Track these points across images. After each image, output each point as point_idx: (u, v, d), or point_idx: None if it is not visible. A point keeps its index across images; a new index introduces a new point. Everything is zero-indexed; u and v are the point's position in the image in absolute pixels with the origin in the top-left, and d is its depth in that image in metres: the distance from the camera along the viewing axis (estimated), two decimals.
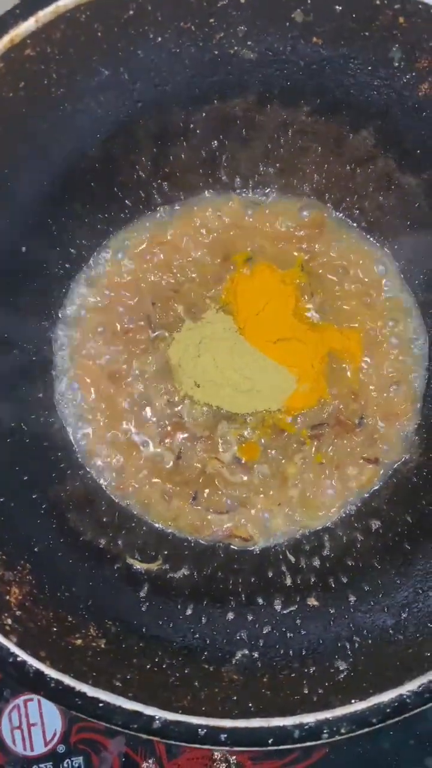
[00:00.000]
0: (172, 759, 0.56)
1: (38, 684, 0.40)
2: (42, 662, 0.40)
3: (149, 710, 0.40)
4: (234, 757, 0.56)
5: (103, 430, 0.54)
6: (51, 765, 0.55)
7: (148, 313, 0.55)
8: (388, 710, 0.40)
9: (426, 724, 0.56)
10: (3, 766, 0.55)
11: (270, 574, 0.51)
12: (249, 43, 0.46)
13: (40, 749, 0.55)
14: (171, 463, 0.54)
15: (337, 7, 0.44)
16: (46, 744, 0.55)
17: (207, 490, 0.53)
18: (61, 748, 0.55)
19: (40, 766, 0.55)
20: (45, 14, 0.41)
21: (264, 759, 0.55)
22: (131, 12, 0.43)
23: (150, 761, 0.55)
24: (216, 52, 0.47)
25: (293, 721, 0.40)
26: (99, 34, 0.43)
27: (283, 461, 0.54)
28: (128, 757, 0.55)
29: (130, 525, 0.53)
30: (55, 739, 0.55)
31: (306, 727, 0.40)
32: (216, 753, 0.55)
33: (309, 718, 0.40)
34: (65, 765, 0.55)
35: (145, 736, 0.40)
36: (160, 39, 0.45)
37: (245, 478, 0.54)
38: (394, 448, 0.54)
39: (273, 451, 0.54)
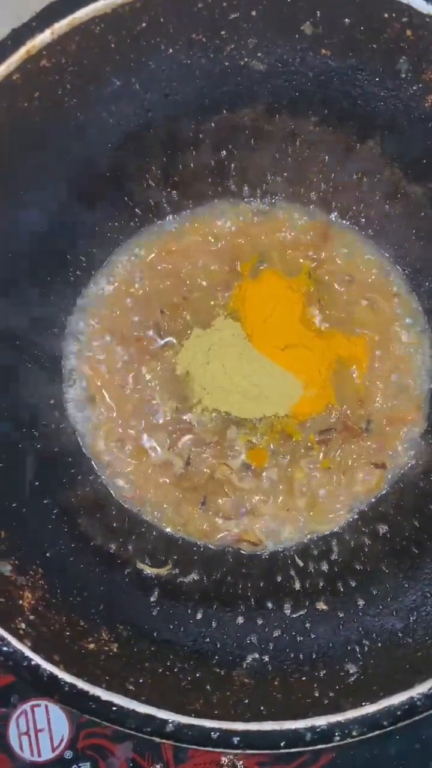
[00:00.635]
0: (180, 764, 0.55)
1: (52, 688, 0.40)
2: (56, 666, 0.40)
3: (162, 714, 0.40)
4: (241, 763, 0.56)
5: (113, 436, 0.54)
6: None
7: (157, 320, 0.55)
8: (398, 713, 0.40)
9: None
10: None
11: (279, 579, 0.52)
12: (259, 54, 0.47)
13: (47, 755, 0.55)
14: (180, 468, 0.54)
15: (346, 19, 0.45)
16: (53, 750, 0.55)
17: (216, 496, 0.54)
18: (69, 754, 0.55)
19: None
20: (60, 26, 0.41)
21: (272, 764, 0.55)
22: (144, 24, 0.44)
23: (157, 766, 0.55)
24: (226, 64, 0.47)
25: (305, 724, 0.40)
26: (112, 45, 0.44)
27: (291, 467, 0.54)
28: (135, 762, 0.55)
29: (140, 530, 0.53)
30: (63, 745, 0.55)
31: (318, 730, 0.40)
32: (223, 758, 0.55)
33: (321, 721, 0.40)
34: None
35: (158, 740, 0.41)
36: (171, 50, 0.46)
37: (254, 483, 0.54)
38: (401, 453, 0.55)
39: (281, 457, 0.54)
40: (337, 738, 0.40)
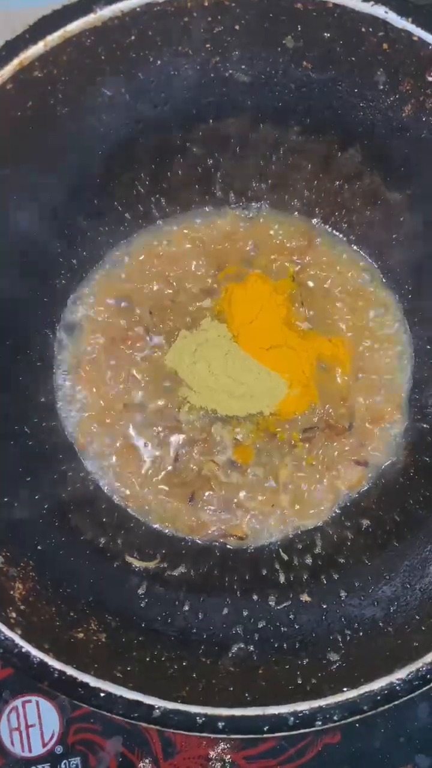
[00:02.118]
0: (168, 759, 0.56)
1: (42, 675, 0.41)
2: (46, 654, 0.41)
3: (149, 700, 0.41)
4: (229, 757, 0.56)
5: (103, 434, 0.56)
6: (49, 766, 0.55)
7: (145, 322, 0.57)
8: (378, 698, 0.41)
9: (416, 721, 0.56)
10: (1, 767, 0.55)
11: (264, 572, 0.53)
12: (243, 66, 0.49)
13: (38, 750, 0.55)
14: (168, 465, 0.55)
15: (325, 34, 0.46)
16: (44, 745, 0.55)
17: (203, 492, 0.55)
18: (59, 749, 0.55)
19: (38, 767, 0.55)
20: (53, 38, 0.43)
21: (258, 758, 0.56)
22: (133, 37, 0.46)
23: (146, 761, 0.55)
24: (212, 75, 0.49)
25: (288, 709, 0.41)
26: (102, 57, 0.46)
27: (276, 463, 0.56)
28: (125, 757, 0.56)
29: (129, 525, 0.54)
30: (53, 740, 0.55)
31: (300, 714, 0.41)
32: (211, 753, 0.56)
33: (303, 706, 0.41)
34: (63, 766, 0.55)
35: (145, 725, 0.41)
36: (159, 62, 0.47)
37: (240, 479, 0.55)
38: (382, 450, 0.56)
39: (266, 454, 0.56)
40: (319, 723, 0.41)
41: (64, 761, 0.55)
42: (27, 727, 0.56)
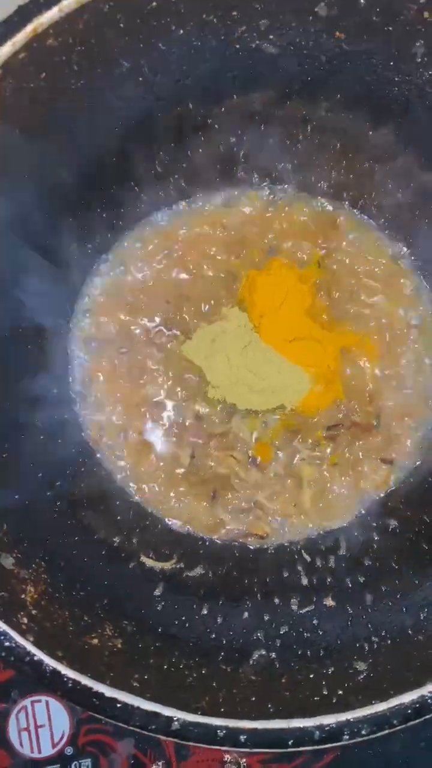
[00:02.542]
0: (182, 761, 0.55)
1: (55, 684, 0.40)
2: (59, 662, 0.40)
3: (168, 711, 0.39)
4: (244, 760, 0.55)
5: (118, 428, 0.54)
6: (58, 767, 0.54)
7: (162, 311, 0.55)
8: (409, 711, 0.40)
9: None
10: None
11: (286, 574, 0.51)
12: (271, 37, 0.46)
13: (47, 751, 0.54)
14: (186, 461, 0.54)
15: (361, 1, 0.43)
16: (53, 746, 0.54)
17: (223, 489, 0.53)
18: (69, 750, 0.54)
19: None
20: (68, 3, 0.40)
21: (274, 761, 0.55)
22: (154, 3, 0.43)
23: (159, 764, 0.55)
24: (237, 46, 0.46)
25: (314, 723, 0.39)
26: (121, 25, 0.43)
27: (298, 462, 0.54)
28: (137, 759, 0.55)
29: (145, 523, 0.53)
30: (63, 741, 0.55)
31: (326, 728, 0.39)
32: (226, 756, 0.55)
33: (329, 719, 0.39)
34: (73, 767, 0.54)
35: (163, 738, 0.40)
36: (181, 32, 0.45)
37: (260, 477, 0.53)
38: (410, 449, 0.54)
39: (288, 452, 0.54)
40: (346, 737, 0.39)
41: (75, 763, 0.55)
42: (36, 727, 0.55)
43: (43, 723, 0.55)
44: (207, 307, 0.54)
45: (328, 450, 0.54)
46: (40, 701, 0.55)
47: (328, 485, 0.53)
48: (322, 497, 0.53)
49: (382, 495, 0.54)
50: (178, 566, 0.51)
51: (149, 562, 0.50)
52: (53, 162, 0.47)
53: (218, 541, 0.53)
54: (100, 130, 0.48)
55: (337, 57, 0.47)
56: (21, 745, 0.54)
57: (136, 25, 0.43)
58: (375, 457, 0.54)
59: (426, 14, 0.43)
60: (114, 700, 0.39)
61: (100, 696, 0.39)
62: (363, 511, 0.54)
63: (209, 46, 0.46)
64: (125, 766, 0.55)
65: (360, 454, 0.54)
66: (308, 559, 0.52)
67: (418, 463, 0.54)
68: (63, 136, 0.46)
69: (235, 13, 0.45)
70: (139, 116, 0.49)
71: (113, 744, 0.55)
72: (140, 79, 0.47)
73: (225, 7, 0.44)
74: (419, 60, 0.46)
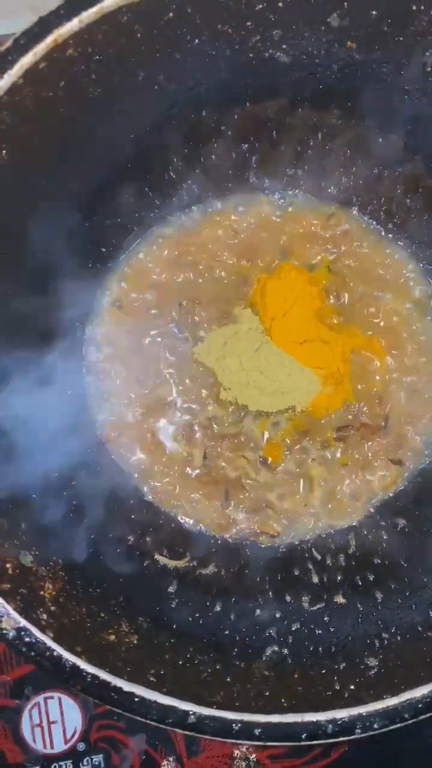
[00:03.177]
0: (192, 757, 0.55)
1: (74, 678, 0.40)
2: (78, 657, 0.40)
3: (184, 705, 0.40)
4: (254, 756, 0.56)
5: (132, 429, 0.54)
6: (71, 763, 0.55)
7: (175, 313, 0.55)
8: (420, 705, 0.40)
9: None
10: (23, 764, 0.55)
11: (297, 572, 0.52)
12: (284, 46, 0.47)
13: (60, 747, 0.55)
14: (198, 461, 0.54)
15: (373, 11, 0.44)
16: (66, 742, 0.55)
17: (234, 489, 0.54)
18: (81, 746, 0.55)
19: (60, 764, 0.55)
20: (88, 15, 0.41)
21: (283, 758, 0.55)
22: (171, 14, 0.43)
23: (170, 759, 0.55)
24: (251, 56, 0.47)
25: (326, 717, 0.40)
26: (138, 35, 0.44)
27: (309, 462, 0.54)
28: (148, 755, 0.55)
29: (158, 522, 0.53)
30: (75, 737, 0.55)
31: (339, 722, 0.40)
32: (236, 751, 0.55)
33: (342, 714, 0.40)
34: (85, 763, 0.55)
35: (180, 731, 0.40)
36: (197, 41, 0.45)
37: (271, 477, 0.54)
38: (419, 449, 0.55)
39: (298, 452, 0.54)
40: (359, 731, 0.40)
41: (87, 758, 0.55)
42: (49, 723, 0.56)
43: (56, 719, 0.55)
44: (219, 310, 0.55)
45: (338, 451, 0.54)
46: (52, 698, 0.55)
47: (338, 485, 0.54)
48: (331, 497, 0.54)
49: (391, 495, 0.54)
50: (191, 564, 0.51)
51: (163, 560, 0.51)
52: (71, 167, 0.48)
53: (230, 540, 0.54)
54: (117, 137, 0.49)
55: (349, 66, 0.47)
56: (34, 741, 0.55)
57: (153, 36, 0.44)
58: (384, 457, 0.54)
59: None
60: (132, 695, 0.40)
61: (118, 690, 0.40)
62: (372, 511, 0.54)
63: (223, 55, 0.47)
64: (137, 762, 0.55)
65: (369, 454, 0.55)
66: (319, 557, 0.52)
67: (426, 462, 0.54)
68: (81, 142, 0.47)
69: (249, 23, 0.45)
70: (155, 123, 0.49)
71: (125, 740, 0.55)
72: (156, 87, 0.47)
73: (239, 17, 0.45)
74: (429, 69, 0.46)
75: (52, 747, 0.55)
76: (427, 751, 0.56)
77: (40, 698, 0.55)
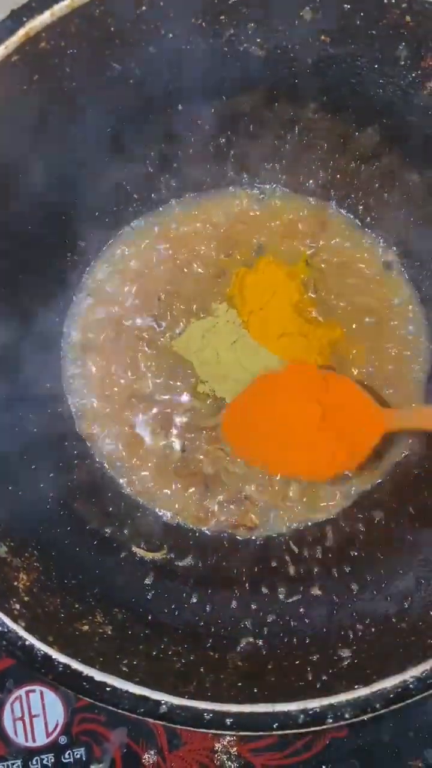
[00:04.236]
0: (174, 750, 0.55)
1: (46, 668, 0.40)
2: (50, 647, 0.40)
3: (156, 695, 0.40)
4: (235, 749, 0.55)
5: (110, 421, 0.54)
6: (52, 756, 0.55)
7: (153, 306, 0.55)
8: (391, 696, 0.40)
9: (425, 716, 0.56)
10: (5, 757, 0.55)
11: (273, 564, 0.52)
12: (258, 40, 0.47)
13: (41, 740, 0.55)
14: (176, 454, 0.54)
15: (345, 5, 0.44)
16: (48, 735, 0.55)
17: (212, 482, 0.54)
18: (63, 740, 0.55)
19: (42, 757, 0.55)
20: (60, 8, 0.41)
21: (265, 751, 0.55)
22: (144, 8, 0.44)
23: (151, 752, 0.55)
24: (226, 49, 0.47)
25: (297, 707, 0.40)
26: (112, 29, 0.44)
27: None
28: (129, 748, 0.55)
29: (136, 515, 0.54)
30: (57, 730, 0.55)
31: (311, 711, 0.40)
32: (217, 745, 0.55)
33: (313, 704, 0.40)
34: (67, 756, 0.55)
35: (151, 720, 0.41)
36: (171, 35, 0.45)
37: (248, 470, 0.54)
38: (397, 442, 0.54)
39: None
40: (330, 720, 0.40)
41: (68, 751, 0.55)
42: (31, 716, 0.56)
43: (38, 713, 0.55)
44: (197, 303, 0.55)
45: None
46: (34, 691, 0.55)
47: None
48: (309, 490, 0.54)
49: (369, 487, 0.54)
50: (168, 556, 0.51)
51: (140, 552, 0.51)
52: (47, 161, 0.48)
53: (208, 532, 0.54)
54: (92, 131, 0.48)
55: (323, 60, 0.47)
56: (16, 734, 0.55)
57: (126, 29, 0.44)
58: None
59: (408, 18, 0.44)
60: (104, 684, 0.40)
61: (90, 680, 0.40)
62: (350, 504, 0.54)
63: (198, 49, 0.47)
64: (118, 755, 0.55)
65: None
66: (296, 549, 0.52)
67: (403, 455, 0.54)
68: (55, 136, 0.47)
69: (222, 17, 0.45)
70: (131, 117, 0.49)
71: (106, 733, 0.55)
72: (131, 81, 0.47)
73: (213, 11, 0.45)
74: (402, 63, 0.46)
75: (33, 740, 0.55)
76: (406, 745, 0.56)
77: (21, 691, 0.55)
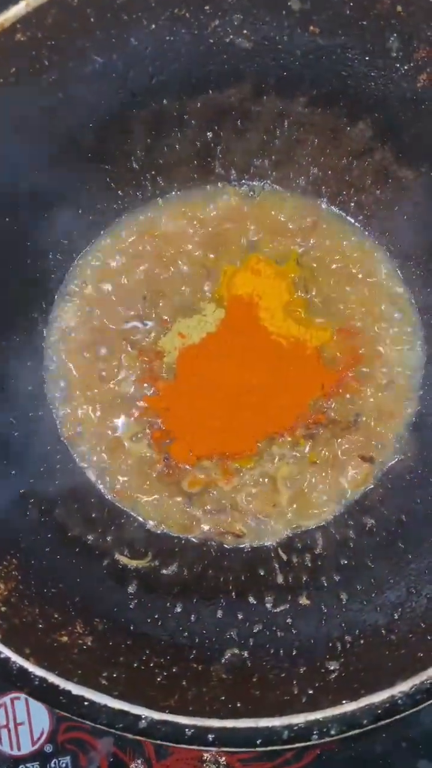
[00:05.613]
0: (161, 760, 0.55)
1: (22, 681, 0.39)
2: (26, 659, 0.39)
3: (135, 709, 0.39)
4: (223, 759, 0.55)
5: (94, 426, 0.53)
6: (38, 765, 0.54)
7: (138, 307, 0.54)
8: (379, 711, 0.39)
9: (418, 726, 0.55)
10: None
11: (261, 572, 0.51)
12: (245, 31, 0.46)
13: (27, 748, 0.54)
14: (161, 460, 0.53)
15: None
16: (33, 743, 0.54)
17: (198, 488, 0.53)
18: (49, 748, 0.54)
19: (27, 765, 0.54)
20: None
21: (254, 761, 0.55)
22: None
23: (138, 762, 0.54)
24: (211, 41, 0.46)
25: (282, 722, 0.39)
26: (91, 20, 0.43)
27: (277, 461, 0.53)
28: (116, 757, 0.54)
29: (120, 521, 0.52)
30: (43, 739, 0.54)
31: (295, 727, 0.39)
32: (205, 754, 0.54)
33: (299, 719, 0.39)
34: (52, 765, 0.54)
35: (131, 736, 0.40)
36: (154, 26, 0.45)
37: (236, 477, 0.53)
38: (389, 447, 0.53)
39: (265, 451, 0.53)
40: (315, 736, 0.39)
41: (54, 760, 0.54)
42: (16, 724, 0.55)
43: (23, 720, 0.55)
44: (183, 303, 0.54)
45: (307, 448, 0.53)
46: (19, 698, 0.55)
47: (306, 484, 0.53)
48: (299, 496, 0.53)
49: (360, 494, 0.53)
50: (153, 564, 0.50)
51: (124, 560, 0.50)
52: (26, 159, 0.47)
53: (194, 540, 0.53)
54: (74, 127, 0.48)
55: (313, 52, 0.46)
56: (0, 742, 0.54)
57: (106, 20, 0.43)
58: (354, 455, 0.53)
59: (399, 8, 0.43)
60: (81, 698, 0.39)
61: (66, 693, 0.39)
62: (341, 510, 0.53)
63: (182, 40, 0.46)
64: (104, 764, 0.54)
65: (339, 452, 0.53)
66: (284, 557, 0.51)
67: (396, 459, 0.53)
68: (35, 132, 0.46)
69: (207, 7, 0.44)
70: (114, 112, 0.48)
71: (93, 742, 0.55)
72: (113, 74, 0.46)
73: (197, 1, 0.44)
74: (394, 54, 0.45)
75: (19, 749, 0.55)
76: (399, 757, 0.55)
77: (6, 699, 0.55)
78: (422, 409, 0.54)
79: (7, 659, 0.39)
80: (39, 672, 0.39)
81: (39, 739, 0.54)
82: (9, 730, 0.55)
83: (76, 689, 0.39)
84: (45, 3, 0.40)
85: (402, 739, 0.55)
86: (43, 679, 0.39)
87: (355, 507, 0.53)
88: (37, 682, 0.39)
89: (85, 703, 0.39)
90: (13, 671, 0.39)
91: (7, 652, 0.39)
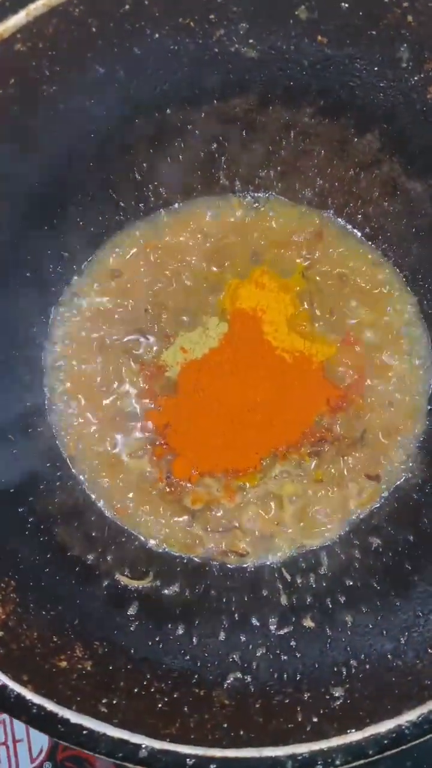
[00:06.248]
0: None
1: (19, 709, 0.38)
2: (24, 686, 0.39)
3: (135, 738, 0.38)
4: None
5: (94, 443, 0.52)
6: None
7: (140, 320, 0.53)
8: (385, 741, 0.38)
9: (423, 746, 0.54)
10: None
11: (265, 593, 0.50)
12: (251, 41, 0.45)
13: (25, 766, 0.54)
14: (162, 477, 0.52)
15: (343, 4, 0.42)
16: (32, 761, 0.54)
17: (200, 506, 0.52)
18: (48, 766, 0.54)
19: None
20: (36, 7, 0.39)
21: None
22: (127, 6, 0.42)
23: None
24: (216, 50, 0.45)
25: (285, 752, 0.38)
26: (93, 29, 0.42)
27: (281, 478, 0.52)
28: None
29: (120, 540, 0.52)
30: (42, 756, 0.54)
31: (299, 758, 0.38)
32: None
33: (302, 749, 0.38)
34: None
35: (131, 766, 0.39)
36: (157, 35, 0.44)
37: (240, 495, 0.52)
38: (396, 465, 0.52)
39: (269, 468, 0.52)
40: (320, 766, 0.38)
41: None
42: (14, 742, 0.55)
43: (21, 737, 0.54)
44: (186, 316, 0.53)
45: (312, 465, 0.52)
46: None
47: (312, 502, 0.52)
48: (304, 515, 0.52)
49: (366, 512, 0.52)
50: (154, 584, 0.50)
51: (124, 580, 0.49)
52: (27, 170, 0.46)
53: (196, 559, 0.52)
54: (76, 137, 0.47)
55: (320, 62, 0.46)
56: None
57: (109, 29, 0.42)
58: (360, 473, 0.52)
59: (410, 18, 0.42)
60: (80, 727, 0.38)
61: (65, 722, 0.38)
62: (346, 529, 0.52)
63: (187, 50, 0.45)
64: None
65: (345, 470, 0.52)
66: (288, 577, 0.50)
67: (403, 478, 0.52)
68: (37, 143, 0.45)
69: (212, 16, 0.43)
70: (116, 122, 0.47)
71: (92, 759, 0.54)
72: (116, 84, 0.45)
73: (201, 10, 0.43)
74: (404, 65, 0.44)
75: (17, 766, 0.54)
76: None
77: (5, 716, 0.54)
78: (430, 426, 0.53)
79: (4, 686, 0.39)
80: (37, 700, 0.39)
81: (38, 756, 0.54)
82: (7, 748, 0.54)
83: (74, 717, 0.38)
84: (46, 12, 0.39)
85: (406, 759, 0.54)
86: (41, 707, 0.38)
87: (361, 526, 0.52)
88: (35, 711, 0.38)
89: (84, 732, 0.38)
90: (10, 699, 0.39)
91: (5, 679, 0.39)
